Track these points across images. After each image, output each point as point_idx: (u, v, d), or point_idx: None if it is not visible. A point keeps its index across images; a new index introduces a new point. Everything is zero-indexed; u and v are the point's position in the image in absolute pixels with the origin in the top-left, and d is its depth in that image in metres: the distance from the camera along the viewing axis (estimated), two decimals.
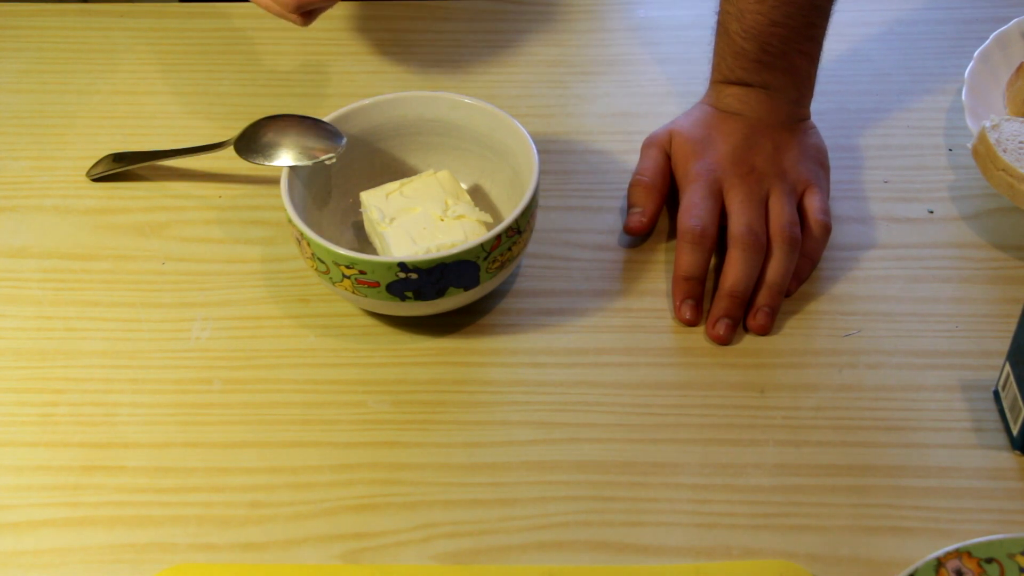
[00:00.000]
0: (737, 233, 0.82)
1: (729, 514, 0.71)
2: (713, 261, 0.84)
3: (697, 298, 0.82)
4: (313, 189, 0.83)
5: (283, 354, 0.80)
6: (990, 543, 0.66)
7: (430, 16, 1.05)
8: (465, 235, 0.79)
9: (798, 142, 0.87)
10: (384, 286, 0.76)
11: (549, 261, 0.86)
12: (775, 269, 0.81)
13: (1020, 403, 0.72)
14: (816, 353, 0.79)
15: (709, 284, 0.83)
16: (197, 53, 1.02)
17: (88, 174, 0.92)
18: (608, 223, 0.88)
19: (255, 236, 0.88)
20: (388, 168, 0.87)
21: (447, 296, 0.78)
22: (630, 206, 0.86)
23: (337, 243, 0.76)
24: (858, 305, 0.82)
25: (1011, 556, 0.65)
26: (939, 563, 0.65)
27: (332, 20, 1.05)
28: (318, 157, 0.82)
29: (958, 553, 0.66)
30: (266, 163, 0.84)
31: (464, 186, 0.86)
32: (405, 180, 0.83)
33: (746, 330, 0.81)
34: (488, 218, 0.81)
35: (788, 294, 0.82)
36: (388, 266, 0.75)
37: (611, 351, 0.80)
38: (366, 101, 0.85)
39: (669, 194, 0.88)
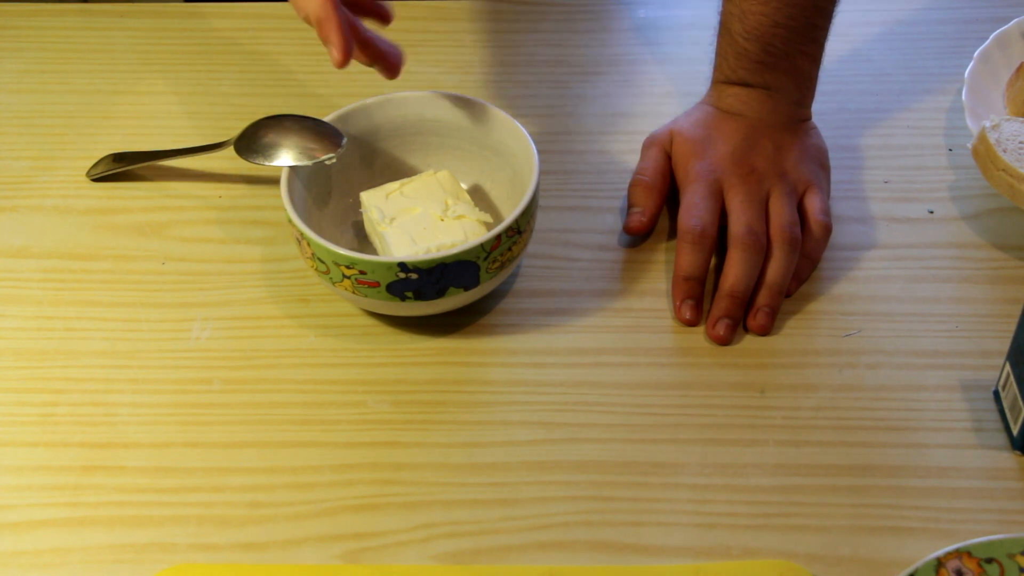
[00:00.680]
0: (737, 233, 0.82)
1: (729, 514, 0.71)
2: (713, 261, 0.84)
3: (697, 298, 0.82)
4: (313, 189, 0.83)
5: (283, 354, 0.80)
6: (990, 543, 0.66)
7: (430, 16, 1.05)
8: (465, 235, 0.79)
9: (799, 142, 0.87)
10: (384, 286, 0.76)
11: (549, 261, 0.86)
12: (775, 269, 0.81)
13: (1020, 403, 0.72)
14: (816, 353, 0.79)
15: (709, 284, 0.83)
16: (197, 53, 1.02)
17: (88, 174, 0.92)
18: (608, 223, 0.88)
19: (255, 236, 0.88)
20: (388, 168, 0.87)
21: (447, 296, 0.78)
22: (630, 206, 0.86)
23: (337, 243, 0.76)
24: (858, 305, 0.82)
25: (1011, 556, 0.65)
26: (939, 563, 0.65)
27: None
28: (318, 157, 0.82)
29: (958, 553, 0.66)
30: (266, 163, 0.84)
31: (464, 186, 0.86)
32: (405, 180, 0.83)
33: (746, 330, 0.81)
34: (488, 218, 0.81)
35: (788, 294, 0.82)
36: (388, 266, 0.75)
37: (611, 351, 0.80)
38: (366, 101, 0.85)
39: (669, 194, 0.88)
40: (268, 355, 0.80)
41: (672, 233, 0.87)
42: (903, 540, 0.70)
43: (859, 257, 0.85)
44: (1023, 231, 0.86)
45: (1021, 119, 0.85)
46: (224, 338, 0.81)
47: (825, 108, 0.91)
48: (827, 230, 0.84)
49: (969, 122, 0.88)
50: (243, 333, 0.81)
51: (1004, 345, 0.76)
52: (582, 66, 1.00)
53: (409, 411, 0.77)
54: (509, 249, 0.78)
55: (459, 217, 0.80)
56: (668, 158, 0.88)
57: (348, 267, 0.76)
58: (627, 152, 0.92)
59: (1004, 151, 0.83)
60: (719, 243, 0.84)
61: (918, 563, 0.66)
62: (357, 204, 0.85)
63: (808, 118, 0.89)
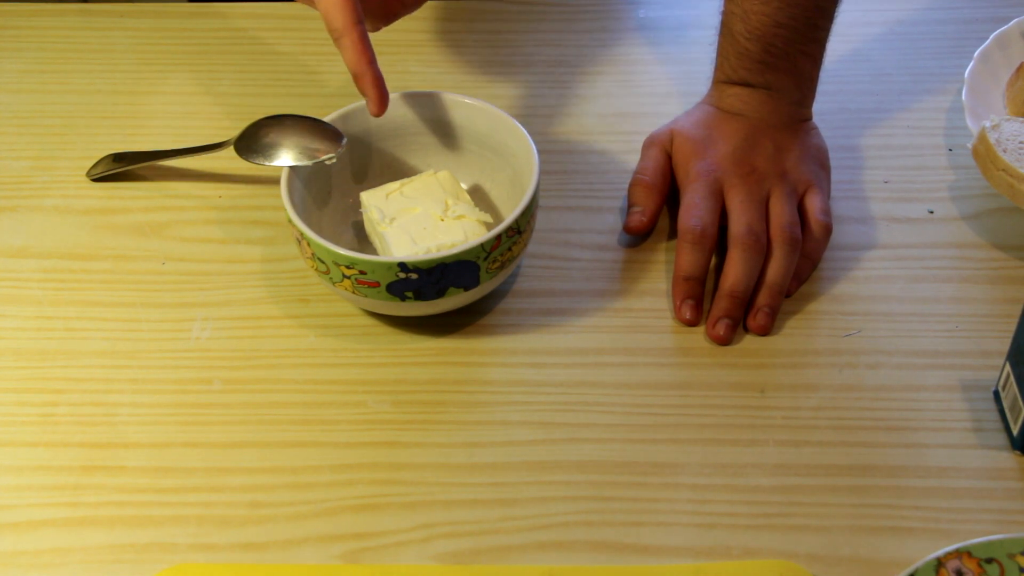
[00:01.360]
0: (737, 233, 0.82)
1: (729, 514, 0.71)
2: (713, 261, 0.84)
3: (697, 298, 0.82)
4: (313, 189, 0.83)
5: (283, 354, 0.80)
6: (990, 543, 0.66)
7: (430, 16, 1.05)
8: (465, 235, 0.79)
9: (799, 143, 0.87)
10: (384, 286, 0.76)
11: (549, 261, 0.86)
12: (775, 269, 0.81)
13: (1020, 403, 0.72)
14: (816, 353, 0.79)
15: (709, 284, 0.83)
16: (197, 53, 1.02)
17: (88, 174, 0.92)
18: (608, 223, 0.88)
19: (255, 236, 0.88)
20: (388, 168, 0.87)
21: (447, 296, 0.78)
22: (630, 205, 0.86)
23: (337, 243, 0.76)
24: (858, 305, 0.82)
25: (1011, 556, 0.65)
26: (939, 563, 0.65)
27: None
28: (318, 157, 0.82)
29: (958, 553, 0.66)
30: (266, 163, 0.84)
31: (464, 186, 0.86)
32: (405, 180, 0.83)
33: (746, 330, 0.81)
34: (488, 218, 0.81)
35: (788, 294, 0.82)
36: (388, 266, 0.75)
37: (611, 351, 0.80)
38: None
39: (669, 194, 0.88)
40: (268, 355, 0.80)
41: (672, 233, 0.87)
42: (903, 540, 0.70)
43: (859, 257, 0.85)
44: (1023, 231, 0.86)
45: (1021, 119, 0.85)
46: (224, 338, 0.81)
47: (825, 108, 0.91)
48: (827, 230, 0.84)
49: (969, 122, 0.88)
50: (243, 333, 0.81)
51: (1004, 345, 0.76)
52: (582, 66, 1.00)
53: (409, 411, 0.77)
54: (509, 249, 0.78)
55: (459, 217, 0.80)
56: (668, 158, 0.88)
57: (348, 267, 0.76)
58: (627, 152, 0.92)
59: (1004, 151, 0.83)
60: (719, 243, 0.84)
61: (918, 563, 0.66)
62: (357, 204, 0.85)
63: (809, 118, 0.89)
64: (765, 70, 0.86)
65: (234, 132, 0.87)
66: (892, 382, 0.78)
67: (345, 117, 0.85)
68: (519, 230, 0.78)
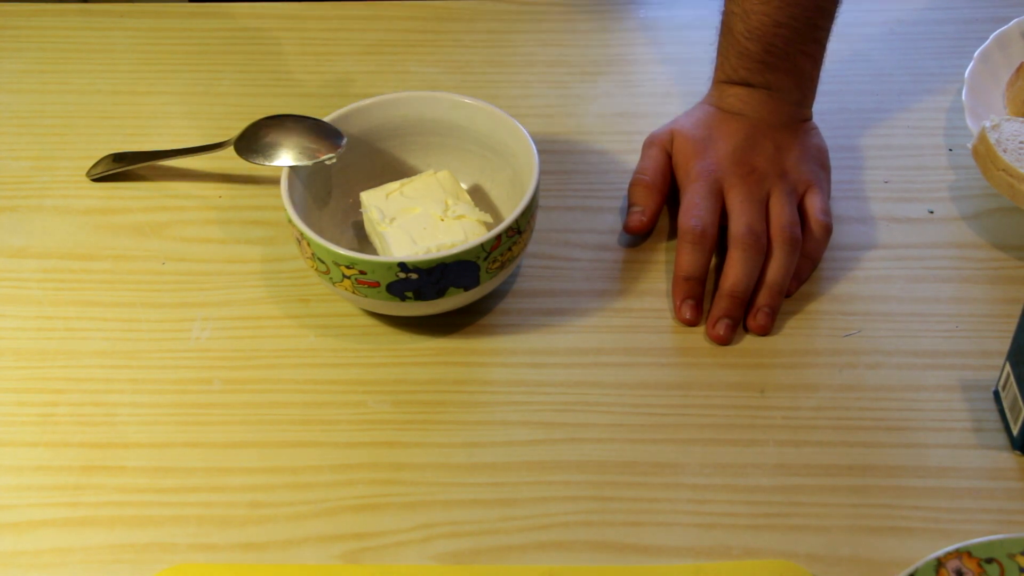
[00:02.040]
0: (737, 233, 0.82)
1: (729, 514, 0.71)
2: (713, 261, 0.84)
3: (697, 298, 0.82)
4: (313, 189, 0.83)
5: (283, 354, 0.80)
6: (990, 543, 0.66)
7: (430, 16, 1.05)
8: (465, 235, 0.79)
9: (799, 142, 0.87)
10: (384, 286, 0.76)
11: (549, 261, 0.86)
12: (775, 269, 0.81)
13: (1020, 403, 0.72)
14: (816, 353, 0.79)
15: (709, 284, 0.83)
16: (197, 53, 1.02)
17: (88, 174, 0.92)
18: (608, 223, 0.88)
19: (255, 236, 0.88)
20: (388, 168, 0.87)
21: (447, 296, 0.78)
22: (630, 205, 0.86)
23: (337, 243, 0.76)
24: (858, 305, 0.82)
25: (1011, 556, 0.65)
26: (939, 563, 0.65)
27: (332, 20, 1.05)
28: (318, 157, 0.82)
29: (958, 553, 0.66)
30: (266, 163, 0.84)
31: (464, 186, 0.86)
32: (405, 180, 0.83)
33: (746, 330, 0.81)
34: (488, 218, 0.81)
35: (788, 294, 0.82)
36: (388, 266, 0.75)
37: (611, 351, 0.80)
38: (366, 101, 0.85)
39: (670, 194, 0.88)
40: (268, 355, 0.80)
41: (672, 233, 0.87)
42: (903, 540, 0.70)
43: (859, 257, 0.85)
44: (1023, 231, 0.86)
45: (1021, 119, 0.85)
46: (224, 338, 0.81)
47: (825, 108, 0.91)
48: (827, 230, 0.84)
49: (969, 122, 0.88)
50: (243, 333, 0.81)
51: (1004, 345, 0.76)
52: (582, 66, 1.00)
53: (409, 411, 0.77)
54: (509, 249, 0.78)
55: (459, 217, 0.80)
56: (669, 158, 0.88)
57: (348, 267, 0.76)
58: (627, 152, 0.92)
59: (1004, 151, 0.83)
60: (719, 243, 0.84)
61: (918, 563, 0.66)
62: (357, 204, 0.85)
63: (809, 118, 0.89)
64: (765, 70, 0.86)
65: (234, 132, 0.87)
66: (892, 382, 0.78)
67: (345, 117, 0.85)
68: (519, 230, 0.78)
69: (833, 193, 0.88)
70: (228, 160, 0.90)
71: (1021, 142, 0.84)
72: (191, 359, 0.80)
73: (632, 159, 0.90)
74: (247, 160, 0.85)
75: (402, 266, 0.75)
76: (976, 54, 0.92)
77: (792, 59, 0.86)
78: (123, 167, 0.91)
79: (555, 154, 0.92)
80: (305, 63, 1.01)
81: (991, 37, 0.94)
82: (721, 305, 0.80)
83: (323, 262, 0.77)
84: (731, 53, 0.87)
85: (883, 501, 0.72)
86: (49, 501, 0.73)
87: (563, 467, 0.74)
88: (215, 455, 0.75)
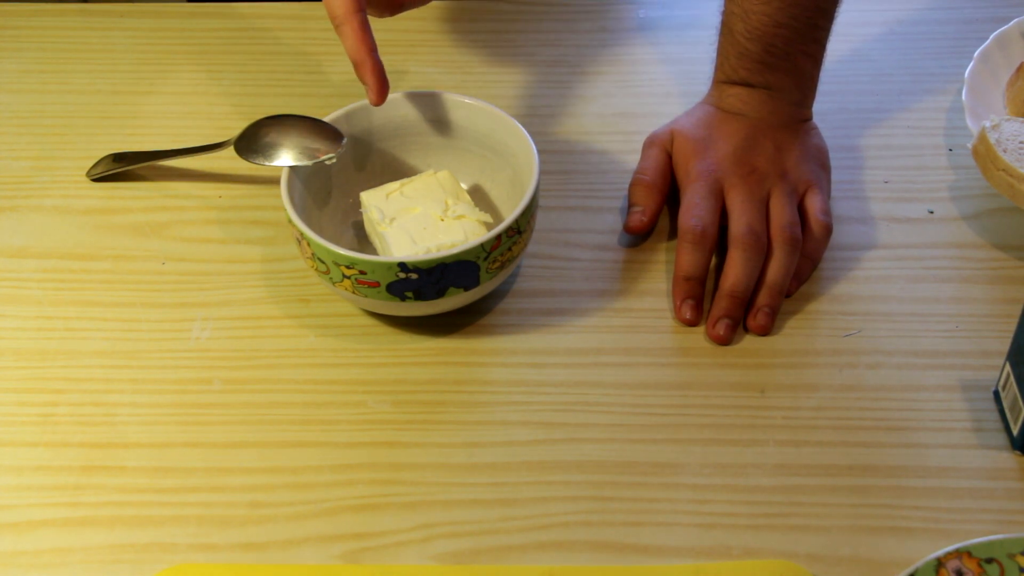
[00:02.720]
0: (738, 233, 0.82)
1: (729, 514, 0.71)
2: (713, 261, 0.84)
3: (697, 298, 0.82)
4: (313, 189, 0.83)
5: (283, 354, 0.80)
6: (990, 543, 0.66)
7: (430, 16, 1.05)
8: (465, 235, 0.79)
9: (800, 143, 0.87)
10: (384, 286, 0.76)
11: (549, 261, 0.86)
12: (775, 269, 0.81)
13: (1020, 403, 0.72)
14: (816, 353, 0.79)
15: (709, 284, 0.83)
16: (197, 53, 1.02)
17: (88, 174, 0.92)
18: (608, 223, 0.88)
19: (255, 236, 0.88)
20: (388, 168, 0.87)
21: (447, 296, 0.78)
22: (631, 205, 0.86)
23: (337, 243, 0.76)
24: (858, 305, 0.82)
25: (1011, 556, 0.65)
26: (939, 563, 0.65)
27: None
28: (318, 157, 0.82)
29: (958, 553, 0.66)
30: (266, 163, 0.84)
31: (464, 186, 0.86)
32: (405, 180, 0.83)
33: (746, 330, 0.81)
34: (488, 218, 0.81)
35: (788, 294, 0.82)
36: (388, 266, 0.75)
37: (611, 351, 0.80)
38: (366, 101, 0.85)
39: (670, 194, 0.88)
40: (268, 355, 0.80)
41: (672, 233, 0.87)
42: (903, 540, 0.70)
43: (859, 257, 0.85)
44: (1023, 231, 0.86)
45: (1021, 119, 0.85)
46: (224, 338, 0.81)
47: (825, 108, 0.91)
48: (828, 230, 0.84)
49: (969, 122, 0.88)
50: (243, 333, 0.81)
51: (1004, 345, 0.76)
52: (582, 66, 1.00)
53: (409, 411, 0.77)
54: (509, 249, 0.78)
55: (459, 217, 0.80)
56: (669, 158, 0.88)
57: (348, 267, 0.76)
58: (627, 152, 0.92)
59: (1004, 151, 0.83)
60: (719, 243, 0.84)
61: (918, 563, 0.66)
62: (357, 204, 0.85)
63: (809, 118, 0.89)
64: (765, 70, 0.86)
65: (234, 132, 0.87)
66: (892, 382, 0.78)
67: (345, 117, 0.85)
68: (519, 230, 0.78)
69: (833, 193, 0.88)
70: (228, 160, 0.90)
71: (1021, 142, 0.84)
72: (191, 359, 0.80)
73: (632, 159, 0.90)
74: (247, 160, 0.85)
75: (402, 266, 0.75)
76: (976, 54, 0.92)
77: (792, 59, 0.86)
78: (123, 167, 0.91)
79: (555, 154, 0.92)
80: (305, 63, 1.01)
81: (991, 37, 0.94)
82: (721, 305, 0.80)
83: (323, 262, 0.77)
84: (731, 53, 0.87)
85: (883, 501, 0.72)
86: (49, 501, 0.73)
87: (563, 467, 0.74)
88: (215, 455, 0.75)
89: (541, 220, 0.86)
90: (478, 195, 0.87)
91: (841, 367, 0.79)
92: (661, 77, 0.99)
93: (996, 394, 0.76)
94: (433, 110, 0.86)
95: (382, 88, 0.80)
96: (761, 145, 0.86)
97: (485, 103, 0.85)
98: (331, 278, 0.78)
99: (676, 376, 0.79)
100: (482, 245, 0.76)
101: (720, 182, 0.84)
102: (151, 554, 0.70)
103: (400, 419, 0.77)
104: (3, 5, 1.07)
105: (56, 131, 0.96)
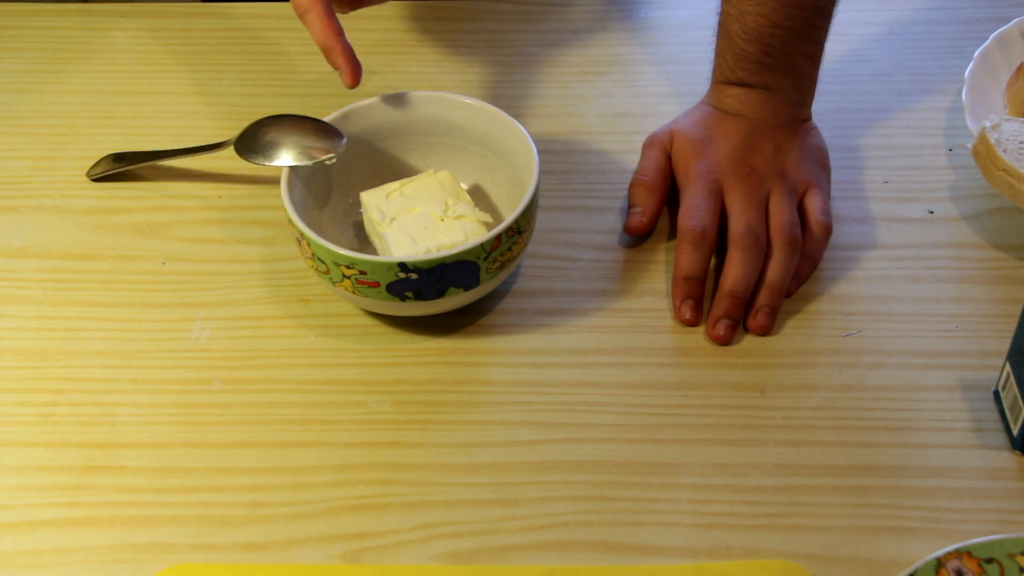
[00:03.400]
0: (737, 234, 0.82)
1: (729, 514, 0.71)
2: (713, 261, 0.84)
3: (697, 298, 0.82)
4: (313, 189, 0.83)
5: (283, 354, 0.80)
6: (990, 543, 0.66)
7: (430, 16, 1.05)
8: (465, 235, 0.79)
9: (799, 143, 0.87)
10: (384, 286, 0.76)
11: (549, 261, 0.86)
12: (775, 269, 0.81)
13: (1020, 403, 0.72)
14: (816, 353, 0.79)
15: (709, 284, 0.83)
16: (197, 53, 1.02)
17: (88, 174, 0.92)
18: (608, 223, 0.88)
19: (255, 236, 0.88)
20: (388, 168, 0.87)
21: (447, 296, 0.78)
22: (630, 206, 0.86)
23: (337, 243, 0.76)
24: (858, 305, 0.82)
25: (1011, 556, 0.65)
26: (939, 563, 0.65)
27: None
28: (318, 157, 0.82)
29: (958, 553, 0.66)
30: (266, 163, 0.84)
31: (464, 186, 0.86)
32: (405, 180, 0.83)
33: (746, 330, 0.81)
34: (488, 218, 0.81)
35: (788, 294, 0.82)
36: (388, 266, 0.75)
37: (611, 351, 0.80)
38: (366, 101, 0.85)
39: (670, 194, 0.88)
40: (268, 355, 0.80)
41: (672, 233, 0.87)
42: (903, 540, 0.70)
43: (859, 257, 0.85)
44: (1023, 231, 0.86)
45: (1021, 119, 0.85)
46: (224, 338, 0.81)
47: (825, 108, 0.91)
48: (827, 230, 0.84)
49: (969, 122, 0.88)
50: (243, 333, 0.81)
51: (1004, 345, 0.76)
52: (582, 66, 1.00)
53: (409, 411, 0.77)
54: (509, 249, 0.78)
55: (459, 217, 0.80)
56: (668, 158, 0.88)
57: (348, 267, 0.76)
58: (627, 152, 0.92)
59: (1004, 151, 0.83)
60: (719, 243, 0.84)
61: (918, 563, 0.66)
62: (357, 204, 0.85)
63: (808, 118, 0.89)
64: (763, 70, 0.86)
65: (234, 132, 0.87)
66: (892, 382, 0.78)
67: (345, 117, 0.85)
68: (519, 230, 0.78)
69: (833, 193, 0.88)
70: (228, 160, 0.90)
71: (1021, 142, 0.84)
72: (191, 359, 0.80)
73: (632, 159, 0.90)
74: (247, 160, 0.85)
75: (402, 266, 0.75)
76: (976, 54, 0.92)
77: (790, 59, 0.86)
78: (123, 167, 0.91)
79: (555, 154, 0.92)
80: (305, 63, 1.01)
81: (991, 37, 0.94)
82: (721, 305, 0.80)
83: (323, 262, 0.77)
84: (728, 54, 0.87)
85: (883, 501, 0.72)
86: (49, 501, 0.73)
87: (563, 467, 0.74)
88: (215, 455, 0.75)
89: (541, 220, 0.86)
90: (478, 195, 0.87)
91: (841, 367, 0.79)
92: (661, 77, 0.99)
93: (996, 394, 0.76)
94: (433, 110, 0.86)
95: (355, 70, 0.81)
96: (760, 145, 0.86)
97: (485, 103, 0.85)
98: (331, 278, 0.78)
99: (676, 376, 0.79)
100: (482, 245, 0.76)
101: (719, 182, 0.84)
102: (151, 554, 0.70)
103: (400, 419, 0.77)
104: (3, 5, 1.07)
105: (56, 131, 0.96)
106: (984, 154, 0.84)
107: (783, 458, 0.74)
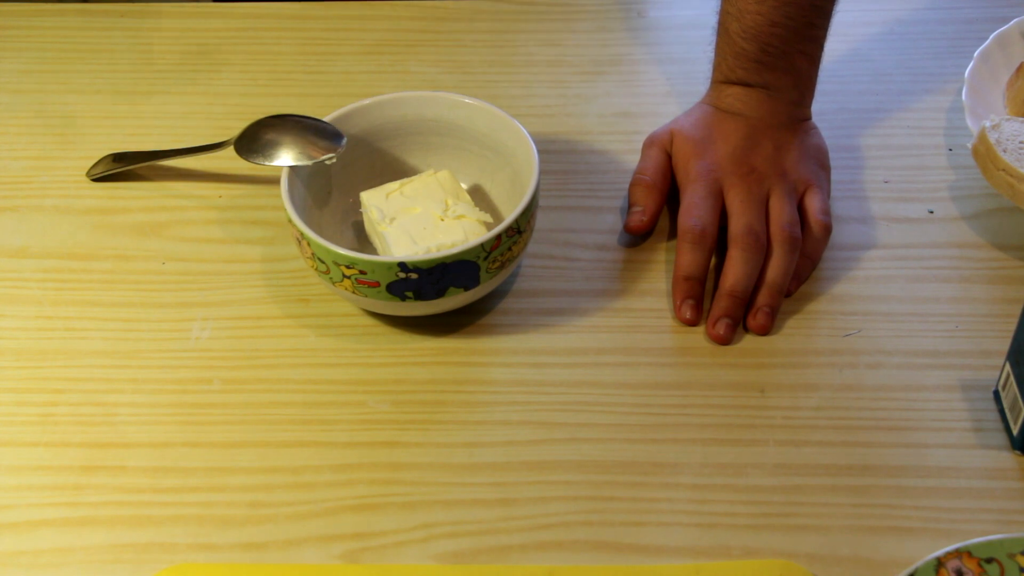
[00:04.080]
0: (737, 233, 0.82)
1: (729, 514, 0.71)
2: (713, 261, 0.84)
3: (697, 298, 0.82)
4: (313, 189, 0.83)
5: (283, 354, 0.80)
6: (990, 543, 0.66)
7: (430, 16, 1.05)
8: (465, 235, 0.79)
9: (799, 142, 0.87)
10: (384, 286, 0.76)
11: (549, 261, 0.86)
12: (775, 269, 0.81)
13: (1020, 403, 0.72)
14: (816, 353, 0.79)
15: (709, 284, 0.83)
16: (197, 53, 1.02)
17: (88, 174, 0.92)
18: (608, 223, 0.88)
19: (255, 236, 0.88)
20: (388, 168, 0.87)
21: (447, 296, 0.78)
22: (631, 205, 0.86)
23: (337, 243, 0.76)
24: (858, 305, 0.82)
25: (1011, 556, 0.65)
26: (939, 563, 0.65)
27: (332, 20, 1.05)
28: (318, 157, 0.82)
29: (958, 553, 0.66)
30: (266, 163, 0.84)
31: (464, 186, 0.86)
32: (405, 180, 0.83)
33: (746, 330, 0.81)
34: (488, 218, 0.81)
35: (788, 294, 0.82)
36: (388, 266, 0.75)
37: (611, 351, 0.80)
38: (366, 101, 0.85)
39: (670, 194, 0.88)
40: (268, 355, 0.80)
41: (672, 233, 0.87)
42: (903, 540, 0.70)
43: (859, 257, 0.85)
44: (1023, 231, 0.86)
45: (1021, 119, 0.85)
46: (224, 338, 0.81)
47: (825, 108, 0.91)
48: (827, 230, 0.84)
49: (969, 122, 0.88)
50: (243, 333, 0.81)
51: (1004, 345, 0.76)
52: (582, 66, 1.00)
53: (409, 411, 0.77)
54: (509, 249, 0.78)
55: (459, 217, 0.80)
56: (668, 158, 0.88)
57: (348, 267, 0.76)
58: (627, 152, 0.92)
59: (1004, 151, 0.83)
60: (719, 243, 0.84)
61: (918, 563, 0.66)
62: (357, 204, 0.85)
63: (808, 118, 0.89)
64: (762, 70, 0.86)
65: (234, 132, 0.87)
66: (892, 382, 0.78)
67: (345, 117, 0.85)
68: (519, 230, 0.78)
69: (833, 193, 0.88)
70: (228, 160, 0.90)
71: (1021, 142, 0.84)
72: (191, 359, 0.80)
73: (632, 159, 0.90)
74: (247, 160, 0.85)
75: (402, 266, 0.75)
76: (976, 54, 0.92)
77: (789, 59, 0.86)
78: (123, 167, 0.91)
79: (555, 154, 0.92)
80: (305, 63, 1.01)
81: (991, 37, 0.94)
82: (721, 305, 0.80)
83: (323, 262, 0.77)
84: (728, 53, 0.87)
85: (883, 501, 0.72)
86: (49, 501, 0.73)
87: (563, 467, 0.74)
88: (215, 455, 0.75)
89: (541, 220, 0.86)
90: (478, 195, 0.87)
91: (841, 367, 0.79)
92: (661, 77, 0.99)
93: (996, 394, 0.76)
94: (433, 110, 0.86)
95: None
96: (760, 145, 0.86)
97: (485, 103, 0.85)
98: (331, 278, 0.78)
99: (676, 376, 0.79)
100: (482, 245, 0.76)
101: (719, 182, 0.84)
102: (151, 554, 0.70)
103: (400, 419, 0.77)
104: (3, 5, 1.07)
105: (56, 131, 0.96)
106: (984, 154, 0.84)
107: (783, 458, 0.74)
